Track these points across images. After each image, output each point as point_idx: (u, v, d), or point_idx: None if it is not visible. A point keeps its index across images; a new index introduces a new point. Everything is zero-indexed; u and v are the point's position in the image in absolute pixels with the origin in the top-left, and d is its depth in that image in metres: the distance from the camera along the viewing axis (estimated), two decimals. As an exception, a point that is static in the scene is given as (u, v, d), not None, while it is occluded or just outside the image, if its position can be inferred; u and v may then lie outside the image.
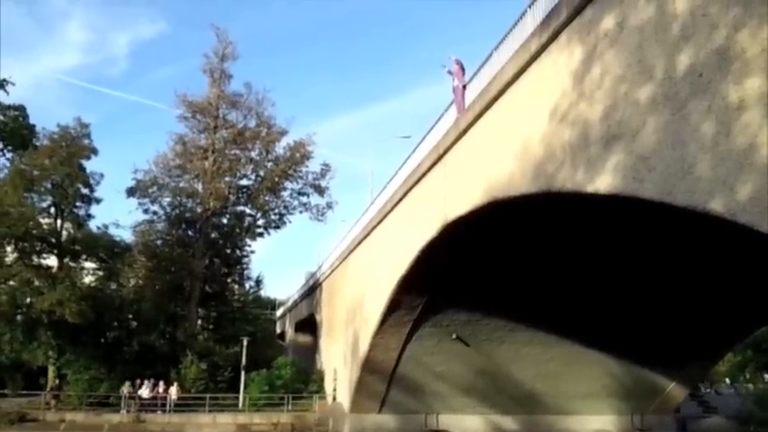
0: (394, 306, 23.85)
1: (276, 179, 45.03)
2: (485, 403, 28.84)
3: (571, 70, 11.31)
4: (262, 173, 45.84)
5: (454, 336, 25.22)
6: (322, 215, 47.06)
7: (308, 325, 45.77)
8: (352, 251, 31.38)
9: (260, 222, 47.17)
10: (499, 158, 14.42)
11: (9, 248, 37.17)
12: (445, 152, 18.39)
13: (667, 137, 8.65)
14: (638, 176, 9.29)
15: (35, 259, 37.05)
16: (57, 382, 34.95)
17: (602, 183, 10.21)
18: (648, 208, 9.66)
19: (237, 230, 46.26)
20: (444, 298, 23.18)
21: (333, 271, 36.55)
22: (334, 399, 32.73)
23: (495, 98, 14.83)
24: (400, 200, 23.08)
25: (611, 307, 22.80)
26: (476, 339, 25.55)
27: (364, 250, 29.00)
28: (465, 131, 16.87)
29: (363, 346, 26.99)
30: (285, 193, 46.60)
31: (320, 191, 46.60)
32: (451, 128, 17.85)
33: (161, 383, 32.93)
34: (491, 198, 14.78)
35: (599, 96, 10.42)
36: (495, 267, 20.21)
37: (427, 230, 19.25)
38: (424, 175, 20.33)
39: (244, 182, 46.43)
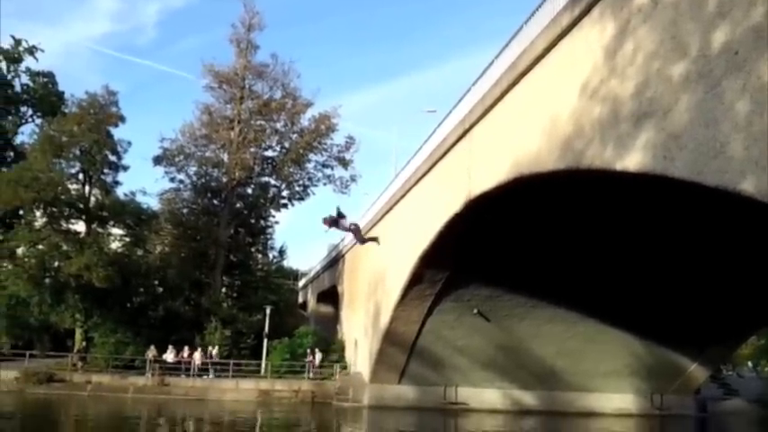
0: (415, 280, 23.96)
1: (301, 151, 45.23)
2: (505, 378, 29.02)
3: (603, 45, 11.12)
4: (286, 144, 46.07)
5: (475, 311, 25.30)
6: (346, 188, 47.29)
7: (330, 296, 46.17)
8: (375, 224, 31.47)
9: (284, 193, 47.60)
10: (526, 134, 14.29)
11: (38, 213, 37.94)
12: (471, 127, 18.26)
13: (700, 115, 8.50)
14: (668, 155, 9.16)
15: (63, 224, 37.79)
16: (84, 344, 35.82)
17: (632, 161, 10.09)
18: (677, 187, 9.53)
19: (262, 201, 46.70)
20: (466, 273, 23.21)
21: (355, 243, 36.70)
22: (354, 369, 33.15)
23: (524, 73, 14.64)
24: (424, 174, 23.04)
25: (635, 286, 22.68)
26: (497, 315, 25.62)
27: (387, 224, 29.07)
28: (492, 107, 16.72)
29: (384, 319, 27.22)
30: (309, 165, 46.90)
31: (344, 163, 46.72)
32: (478, 103, 17.69)
33: (185, 348, 33.58)
34: (517, 174, 14.68)
35: (631, 73, 10.25)
36: (519, 244, 20.16)
37: (451, 205, 19.23)
38: (448, 149, 20.25)
39: (269, 153, 46.77)
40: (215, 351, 34.28)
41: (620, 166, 10.49)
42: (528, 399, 29.73)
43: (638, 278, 22.07)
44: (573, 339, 26.70)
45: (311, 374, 33.15)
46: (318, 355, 34.47)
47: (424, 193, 23.26)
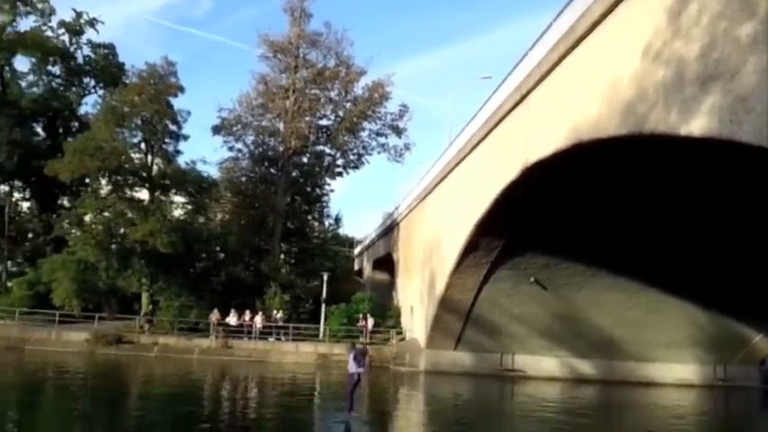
0: (471, 248, 23.93)
1: (355, 119, 45.36)
2: (562, 346, 28.89)
3: (666, 6, 10.72)
4: (341, 113, 46.27)
5: (532, 279, 25.15)
6: (400, 156, 47.33)
7: (385, 263, 46.59)
8: (429, 192, 31.46)
9: (339, 162, 48.00)
10: (585, 99, 13.96)
11: (104, 181, 39.42)
12: (528, 93, 17.93)
13: (769, 77, 8.15)
14: (735, 119, 8.83)
15: (128, 192, 39.18)
16: (150, 307, 37.25)
17: (697, 125, 9.77)
18: (744, 152, 9.21)
19: (317, 169, 47.22)
20: (523, 241, 23.03)
21: (410, 211, 36.83)
22: (410, 335, 33.53)
23: (582, 37, 14.24)
24: (479, 142, 22.82)
25: (698, 255, 22.03)
26: (554, 283, 25.40)
27: (441, 192, 29.02)
28: (549, 72, 16.35)
29: (440, 286, 27.35)
30: (363, 134, 47.07)
31: (398, 132, 46.66)
32: (534, 68, 17.32)
33: (247, 312, 34.57)
34: (576, 140, 14.40)
35: (696, 34, 9.86)
36: (577, 211, 19.81)
37: (507, 173, 19.03)
38: (504, 116, 19.96)
39: (323, 122, 47.20)
40: (279, 314, 35.12)
41: (684, 130, 10.17)
42: (586, 367, 29.54)
43: (702, 247, 21.43)
44: (633, 309, 26.26)
45: (364, 339, 33.70)
46: (371, 321, 34.93)
47: (479, 160, 23.08)
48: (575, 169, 16.52)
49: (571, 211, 19.88)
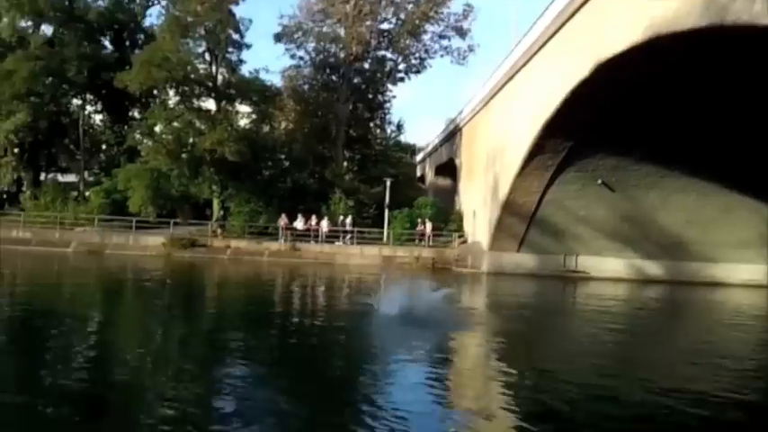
0: (537, 150, 23.76)
1: (417, 22, 44.35)
2: (627, 248, 28.85)
3: None
4: (402, 15, 45.23)
5: (600, 181, 24.93)
6: (463, 59, 46.40)
7: (448, 168, 46.64)
8: (494, 95, 30.96)
9: (401, 67, 47.42)
10: (664, -11, 13.38)
11: (171, 92, 40.25)
12: (602, -15, 17.22)
13: None
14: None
15: (195, 102, 39.91)
16: (221, 213, 38.78)
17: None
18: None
19: (379, 75, 46.84)
20: (591, 142, 22.71)
21: (474, 116, 36.44)
22: (473, 238, 34.00)
23: None
24: (548, 40, 22.15)
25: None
26: (623, 185, 25.13)
27: (507, 94, 28.52)
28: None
29: (504, 189, 27.42)
30: (426, 37, 46.10)
31: (462, 33, 45.52)
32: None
33: (313, 217, 35.63)
34: (653, 34, 13.92)
35: None
36: (650, 110, 19.36)
37: (577, 71, 18.58)
38: (576, 11, 19.24)
39: (384, 26, 46.18)
40: (348, 219, 35.90)
41: (769, 19, 9.77)
42: (651, 268, 29.54)
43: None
44: (704, 209, 25.85)
45: (423, 243, 34.36)
46: (429, 225, 35.36)
47: (547, 59, 22.48)
48: (649, 65, 16.04)
49: (643, 111, 19.45)
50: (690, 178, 24.16)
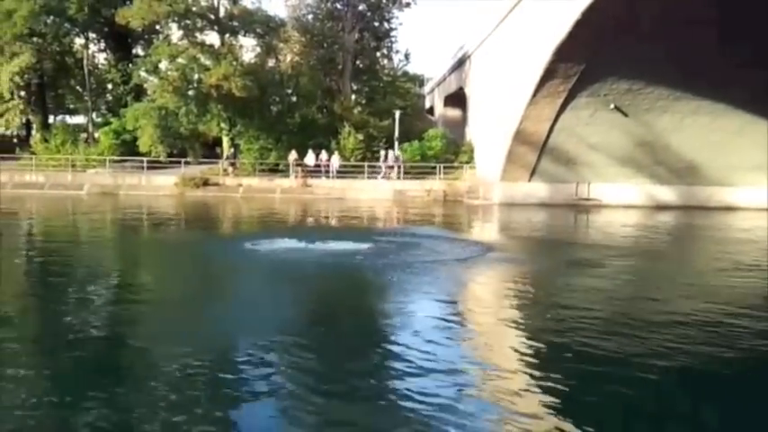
0: (549, 75, 23.29)
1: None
2: (641, 174, 28.58)
3: None
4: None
5: (612, 105, 24.49)
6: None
7: (457, 99, 45.92)
8: (503, 20, 30.07)
9: (408, -10, 45.90)
10: None
11: (174, 27, 39.41)
12: None
13: None
14: None
15: (198, 36, 39.11)
16: (231, 151, 38.59)
17: None
18: None
19: (384, 1, 45.51)
20: (603, 65, 22.24)
21: (483, 43, 35.53)
22: (484, 169, 33.74)
23: None
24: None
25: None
26: (636, 109, 24.68)
27: (517, 19, 27.68)
28: None
29: (515, 118, 26.98)
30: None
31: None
32: None
33: (323, 152, 35.41)
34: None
35: None
36: (665, 26, 18.75)
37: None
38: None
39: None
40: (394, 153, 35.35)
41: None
42: (664, 193, 29.32)
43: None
44: (718, 132, 25.42)
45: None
46: (393, 153, 34.93)
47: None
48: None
49: (658, 26, 18.83)
50: (702, 100, 23.67)
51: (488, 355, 8.79)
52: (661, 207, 28.74)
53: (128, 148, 37.98)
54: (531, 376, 7.74)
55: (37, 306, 11.27)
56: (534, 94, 24.58)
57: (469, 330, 10.13)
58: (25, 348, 8.72)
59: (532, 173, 29.32)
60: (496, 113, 30.73)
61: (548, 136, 26.87)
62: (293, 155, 34.83)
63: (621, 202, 29.04)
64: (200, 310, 10.58)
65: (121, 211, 27.50)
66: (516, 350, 8.79)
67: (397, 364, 8.00)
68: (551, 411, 6.74)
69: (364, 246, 16.22)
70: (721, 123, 24.98)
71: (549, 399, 7.03)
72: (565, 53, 21.50)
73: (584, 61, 22.07)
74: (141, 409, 6.70)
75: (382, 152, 35.90)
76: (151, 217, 26.64)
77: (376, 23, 46.73)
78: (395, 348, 8.69)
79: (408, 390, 7.17)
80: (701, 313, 10.66)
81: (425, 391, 7.12)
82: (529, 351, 8.70)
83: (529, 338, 9.26)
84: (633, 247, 19.36)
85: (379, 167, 34.71)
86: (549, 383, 7.43)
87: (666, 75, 22.28)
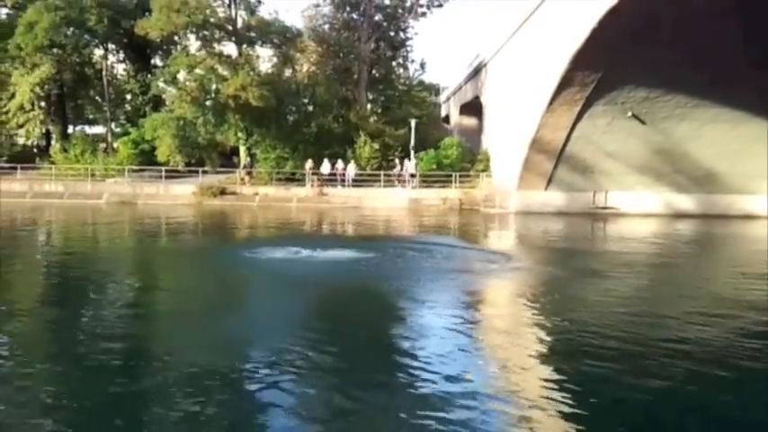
0: (566, 83, 23.19)
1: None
2: (658, 182, 28.35)
3: None
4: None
5: (630, 113, 24.34)
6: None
7: (473, 107, 45.87)
8: (519, 28, 30.03)
9: (422, 1, 46.05)
10: None
11: (192, 38, 39.82)
12: None
13: None
14: None
15: (216, 47, 39.47)
16: (248, 160, 38.84)
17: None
18: None
19: (400, 11, 45.69)
20: (621, 73, 22.09)
21: (499, 51, 35.50)
22: (500, 178, 33.61)
23: None
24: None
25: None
26: (653, 117, 24.51)
27: (533, 27, 27.65)
28: None
29: (531, 126, 26.89)
30: (448, -34, 44.44)
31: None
32: None
33: (339, 161, 35.50)
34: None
35: None
36: (682, 34, 18.63)
37: (607, -1, 17.89)
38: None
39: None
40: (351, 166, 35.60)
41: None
42: (683, 202, 29.05)
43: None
44: (736, 140, 25.16)
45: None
46: (411, 162, 35.01)
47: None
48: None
49: (676, 34, 18.71)
50: (720, 108, 23.43)
51: (503, 364, 8.74)
52: (680, 216, 28.44)
53: (146, 158, 38.40)
54: (543, 387, 7.72)
55: (55, 313, 11.44)
56: (551, 103, 24.49)
57: (484, 342, 10.08)
58: (46, 351, 9.00)
59: (549, 181, 29.17)
60: (513, 122, 30.66)
61: (565, 144, 26.74)
62: (309, 164, 34.96)
63: (639, 210, 28.79)
64: (220, 319, 10.67)
65: (140, 221, 27.70)
66: (529, 359, 8.78)
67: (412, 367, 8.19)
68: (564, 420, 6.74)
69: (378, 254, 16.41)
70: (741, 131, 24.72)
71: (563, 409, 7.04)
72: (582, 61, 21.42)
73: (601, 69, 21.98)
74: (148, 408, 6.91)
75: (398, 161, 35.91)
76: (169, 226, 26.83)
77: (392, 33, 46.95)
78: (409, 353, 8.88)
79: (424, 393, 7.32)
80: (716, 327, 10.56)
81: (440, 395, 7.26)
82: (543, 360, 8.70)
83: (544, 350, 9.24)
84: (651, 257, 19.15)
85: (402, 176, 34.72)
86: (563, 394, 7.41)
87: (685, 81, 22.10)
